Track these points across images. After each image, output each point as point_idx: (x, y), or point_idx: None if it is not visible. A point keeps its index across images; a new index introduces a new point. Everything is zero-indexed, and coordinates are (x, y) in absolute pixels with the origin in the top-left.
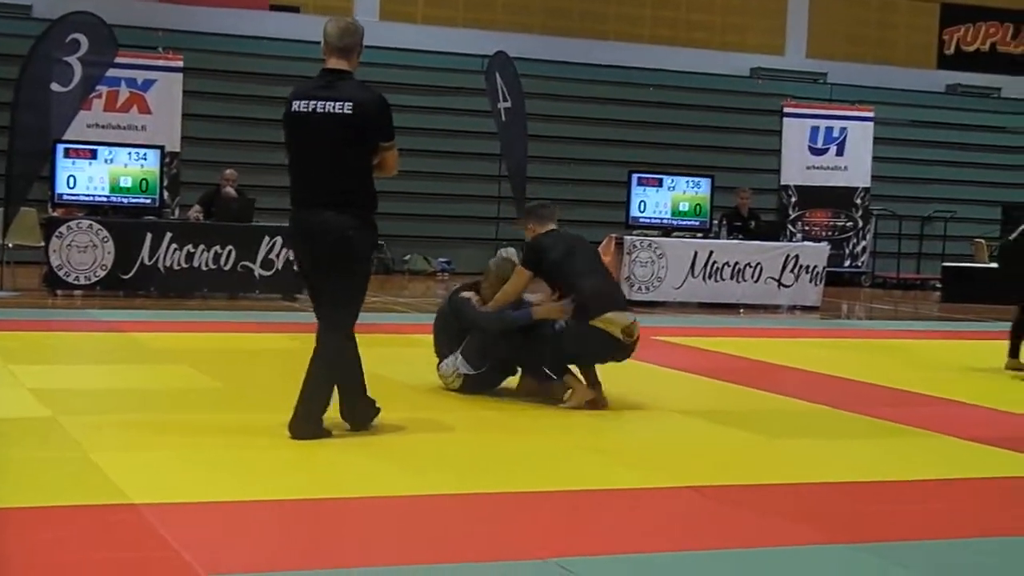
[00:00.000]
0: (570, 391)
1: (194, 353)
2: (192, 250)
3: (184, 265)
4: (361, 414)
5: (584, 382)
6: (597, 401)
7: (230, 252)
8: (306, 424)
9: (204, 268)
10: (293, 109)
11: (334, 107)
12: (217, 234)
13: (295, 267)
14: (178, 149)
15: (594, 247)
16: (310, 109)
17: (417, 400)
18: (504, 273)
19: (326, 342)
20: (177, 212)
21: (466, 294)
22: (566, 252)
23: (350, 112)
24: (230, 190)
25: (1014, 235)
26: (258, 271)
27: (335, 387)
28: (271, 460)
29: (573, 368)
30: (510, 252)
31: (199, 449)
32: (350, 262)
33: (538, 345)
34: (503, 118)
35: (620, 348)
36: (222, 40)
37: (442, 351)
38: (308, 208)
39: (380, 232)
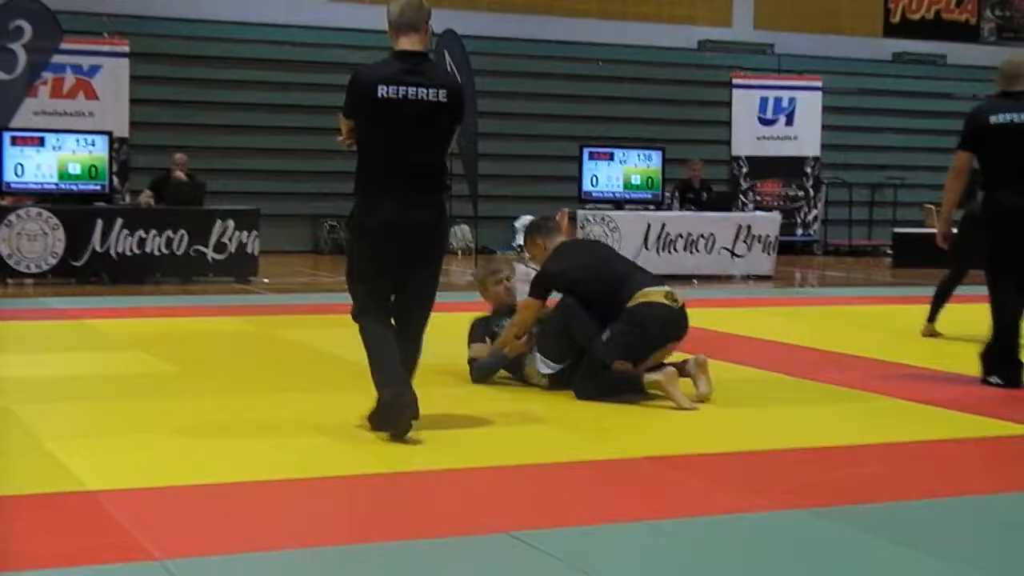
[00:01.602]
0: (664, 388)
1: (148, 338)
2: (144, 235)
3: (136, 251)
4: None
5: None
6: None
7: (182, 236)
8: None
9: (156, 253)
10: (380, 95)
11: (427, 93)
12: (169, 219)
13: (365, 265)
14: (126, 135)
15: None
16: (401, 96)
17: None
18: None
19: (417, 337)
20: (127, 198)
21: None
22: (576, 265)
23: (445, 100)
24: (180, 174)
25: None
26: (211, 255)
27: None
28: (227, 443)
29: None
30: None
31: (154, 434)
32: (441, 255)
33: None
34: None
35: (672, 318)
36: (167, 24)
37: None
38: (400, 200)
39: (334, 214)
